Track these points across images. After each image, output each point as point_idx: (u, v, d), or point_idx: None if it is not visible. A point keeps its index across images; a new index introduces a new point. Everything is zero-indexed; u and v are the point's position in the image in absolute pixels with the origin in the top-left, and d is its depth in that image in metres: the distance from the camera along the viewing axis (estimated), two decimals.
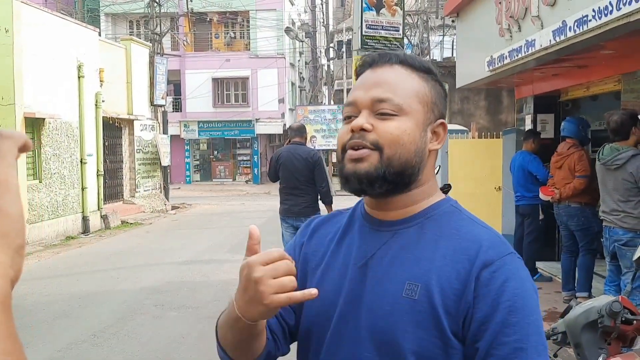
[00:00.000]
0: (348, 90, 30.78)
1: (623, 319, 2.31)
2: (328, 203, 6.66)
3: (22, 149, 0.65)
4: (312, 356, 1.22)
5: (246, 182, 32.41)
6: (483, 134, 10.50)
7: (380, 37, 11.04)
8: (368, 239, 1.20)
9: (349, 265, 1.20)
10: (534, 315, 1.07)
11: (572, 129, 6.42)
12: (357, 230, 1.24)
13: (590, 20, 4.52)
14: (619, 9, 4.07)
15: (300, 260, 1.28)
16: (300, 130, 6.74)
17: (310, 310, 1.23)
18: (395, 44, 10.78)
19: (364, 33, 11.06)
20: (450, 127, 9.78)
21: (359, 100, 1.17)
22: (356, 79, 1.27)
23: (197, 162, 33.67)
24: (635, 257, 2.64)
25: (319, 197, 6.60)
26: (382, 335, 1.11)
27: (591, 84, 7.01)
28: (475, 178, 9.34)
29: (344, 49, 29.95)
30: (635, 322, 2.38)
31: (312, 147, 7.24)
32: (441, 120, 1.21)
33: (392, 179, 1.13)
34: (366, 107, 1.16)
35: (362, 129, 1.14)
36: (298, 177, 6.45)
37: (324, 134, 26.12)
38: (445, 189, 7.80)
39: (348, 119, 1.19)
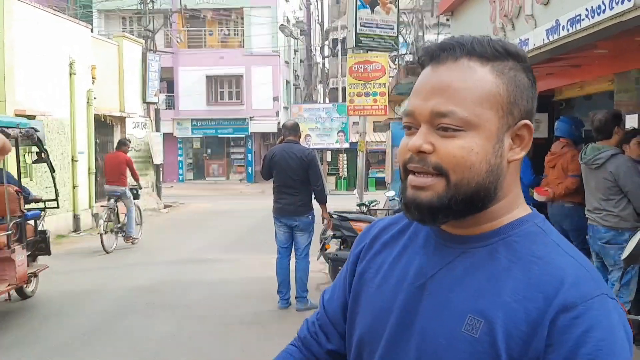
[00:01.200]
0: (343, 89, 30.82)
1: None
2: (322, 202, 6.63)
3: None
4: None
5: (240, 181, 32.36)
6: None
7: (375, 35, 11.01)
8: (431, 255, 1.05)
9: (405, 282, 1.05)
10: None
11: (566, 128, 6.41)
12: (422, 242, 1.08)
13: (583, 20, 4.50)
14: (611, 8, 4.06)
15: (357, 273, 1.16)
16: (294, 128, 6.70)
17: (361, 328, 1.11)
18: (390, 42, 10.76)
19: (358, 31, 11.03)
20: None
21: (417, 112, 0.98)
22: (420, 71, 1.04)
23: (191, 161, 33.58)
24: (623, 256, 2.64)
25: (313, 196, 6.57)
26: None
27: (585, 84, 7.00)
28: None
29: (339, 47, 29.90)
30: None
31: (307, 146, 7.19)
32: (524, 122, 0.99)
33: (459, 208, 0.97)
34: (425, 121, 0.97)
35: (421, 151, 0.97)
36: (292, 175, 6.41)
37: (319, 133, 26.11)
38: None
39: (408, 128, 1.02)
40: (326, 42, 29.65)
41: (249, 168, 32.54)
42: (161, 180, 19.99)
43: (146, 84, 17.88)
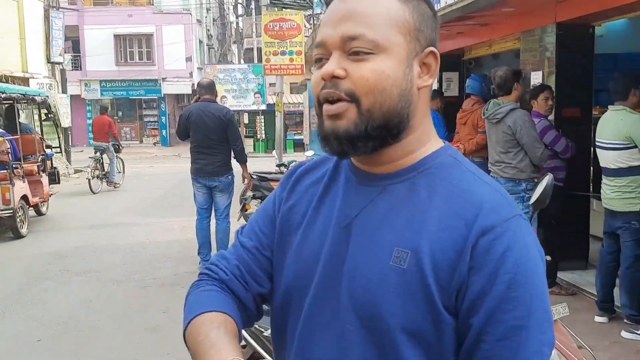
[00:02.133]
0: (259, 50, 30.36)
1: None
2: (243, 162, 6.57)
3: None
4: (290, 326, 1.09)
5: (154, 144, 31.48)
6: None
7: None
8: (353, 196, 1.05)
9: (331, 225, 1.05)
10: (539, 289, 0.93)
11: (476, 86, 6.64)
12: (342, 184, 1.08)
13: None
14: None
15: (280, 217, 1.14)
16: (210, 87, 6.55)
17: (288, 274, 1.09)
18: (304, 0, 10.66)
19: None
20: None
21: (328, 40, 0.98)
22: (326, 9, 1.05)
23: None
24: (531, 202, 2.81)
25: (232, 156, 6.50)
26: (366, 308, 0.98)
27: (493, 42, 7.25)
28: None
29: (253, 6, 29.33)
30: None
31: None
32: (430, 49, 1.01)
33: (376, 134, 0.97)
34: (337, 48, 0.97)
35: (334, 77, 0.96)
36: (210, 135, 6.29)
37: (235, 94, 25.71)
38: None
39: (319, 62, 1.01)
40: (239, 0, 28.97)
41: (163, 131, 31.71)
42: (70, 144, 19.14)
43: (49, 42, 16.91)
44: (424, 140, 1.04)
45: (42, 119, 11.27)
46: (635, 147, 4.18)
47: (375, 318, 0.97)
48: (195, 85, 30.60)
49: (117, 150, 13.73)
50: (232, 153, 6.46)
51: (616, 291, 4.58)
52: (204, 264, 6.60)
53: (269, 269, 1.14)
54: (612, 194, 4.38)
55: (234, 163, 6.51)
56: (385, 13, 0.97)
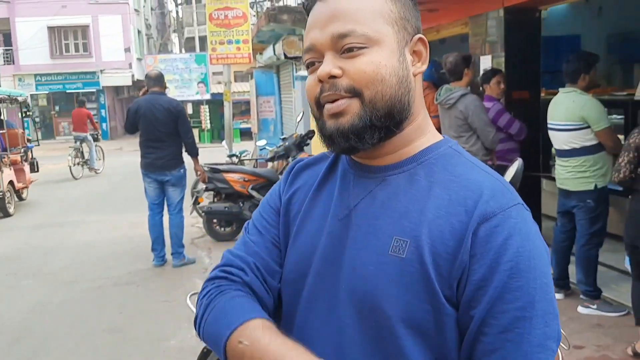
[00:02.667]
0: (200, 38, 29.84)
1: None
2: (194, 155, 6.43)
3: None
4: (287, 318, 1.09)
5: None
6: None
7: None
8: (351, 188, 1.05)
9: (328, 217, 1.05)
10: (543, 279, 0.91)
11: (425, 72, 6.64)
12: (340, 177, 1.09)
13: None
14: None
15: (282, 210, 1.14)
16: (159, 79, 6.35)
17: (286, 267, 1.09)
18: None
19: None
20: None
21: (318, 42, 0.98)
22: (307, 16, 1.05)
23: (37, 119, 31.06)
24: None
25: (183, 149, 6.35)
26: (365, 299, 0.96)
27: (441, 27, 7.30)
28: None
29: None
30: None
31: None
32: (419, 36, 1.02)
33: (381, 123, 0.97)
34: (328, 48, 0.97)
35: (331, 77, 0.97)
36: (160, 128, 6.11)
37: (177, 85, 25.19)
38: (310, 134, 7.90)
39: (312, 65, 1.01)
40: None
41: (103, 124, 30.78)
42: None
43: None
44: (424, 130, 1.04)
45: (22, 116, 12.48)
46: (588, 127, 4.29)
47: (374, 309, 0.95)
48: (135, 77, 29.75)
49: (96, 139, 15.36)
50: (183, 146, 6.32)
51: (571, 268, 4.72)
52: (157, 260, 6.46)
53: (282, 262, 1.13)
54: (567, 174, 4.47)
55: (185, 156, 6.37)
56: (370, 7, 0.97)
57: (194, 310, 3.12)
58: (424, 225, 0.94)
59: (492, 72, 5.37)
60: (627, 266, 3.97)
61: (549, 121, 4.62)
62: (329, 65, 0.97)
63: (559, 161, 4.58)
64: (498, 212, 0.91)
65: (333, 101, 0.97)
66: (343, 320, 0.98)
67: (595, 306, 4.44)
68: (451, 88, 5.05)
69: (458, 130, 4.96)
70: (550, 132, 4.61)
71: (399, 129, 1.00)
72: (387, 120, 0.97)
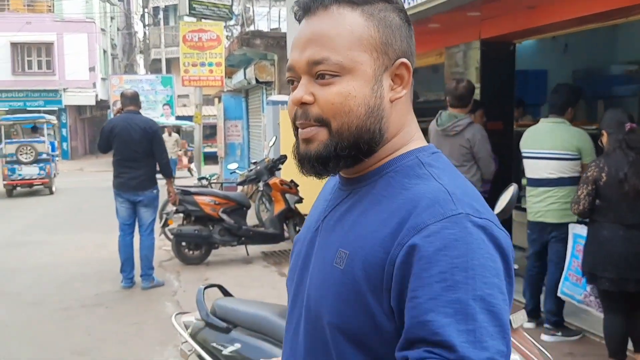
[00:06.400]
0: (167, 60, 29.68)
1: None
2: (168, 176, 6.35)
3: None
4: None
5: None
6: None
7: (209, 2, 10.69)
8: (329, 200, 1.11)
9: (311, 228, 1.12)
10: (485, 290, 0.83)
11: None
12: (329, 190, 1.15)
13: None
14: None
15: None
16: (135, 98, 6.30)
17: (288, 274, 1.19)
18: (224, 11, 10.53)
19: None
20: (281, 97, 9.88)
21: (297, 65, 1.00)
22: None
23: None
24: (495, 211, 2.86)
25: (156, 170, 6.27)
26: (313, 308, 1.00)
27: (415, 57, 7.44)
28: None
29: (161, 16, 28.68)
30: None
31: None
32: (401, 60, 1.00)
33: (345, 153, 0.98)
34: (304, 72, 0.99)
35: (303, 103, 0.99)
36: (135, 148, 6.02)
37: (143, 106, 24.86)
38: (282, 159, 7.90)
39: (291, 83, 1.03)
40: (147, 10, 28.22)
41: (64, 144, 30.14)
42: None
43: None
44: (398, 147, 1.03)
45: None
46: (579, 158, 4.33)
47: (317, 318, 0.99)
48: (98, 97, 29.34)
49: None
50: (158, 167, 6.24)
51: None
52: (126, 282, 6.31)
53: None
54: (549, 206, 4.45)
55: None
56: (349, 33, 0.97)
57: (180, 330, 3.08)
58: (363, 238, 0.95)
59: (476, 105, 5.26)
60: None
61: (527, 149, 4.59)
62: (302, 91, 0.99)
63: (534, 192, 4.54)
64: (431, 223, 0.87)
65: (304, 127, 1.00)
66: (301, 326, 1.05)
67: (560, 333, 4.50)
68: (456, 115, 4.79)
69: (460, 159, 4.77)
70: (530, 161, 4.57)
71: (367, 156, 1.01)
72: (353, 150, 0.99)
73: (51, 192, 15.33)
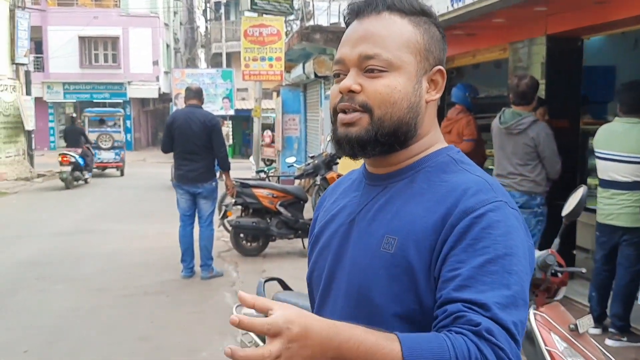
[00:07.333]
0: (228, 55, 30.15)
1: (553, 271, 2.45)
2: (226, 169, 6.48)
3: None
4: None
5: None
6: None
7: None
8: (360, 195, 1.19)
9: (340, 221, 1.19)
10: (519, 266, 0.98)
11: (460, 95, 6.68)
12: (356, 186, 1.23)
13: None
14: None
15: (316, 225, 1.30)
16: (199, 93, 6.45)
17: (310, 266, 1.26)
18: (285, 6, 10.62)
19: None
20: None
21: (347, 58, 1.11)
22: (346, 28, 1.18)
23: (63, 127, 31.46)
24: (564, 213, 2.80)
25: (215, 163, 6.40)
26: (358, 291, 1.08)
27: (477, 52, 7.32)
28: None
29: (222, 10, 29.12)
30: (560, 274, 2.54)
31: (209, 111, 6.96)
32: (438, 68, 1.14)
33: (384, 140, 1.10)
34: (354, 65, 1.10)
35: (351, 91, 1.09)
36: (195, 141, 6.18)
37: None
38: (339, 154, 7.93)
39: (338, 76, 1.13)
40: (209, 5, 28.72)
41: (128, 135, 31.07)
42: (33, 147, 18.64)
43: (15, 43, 16.44)
44: (429, 145, 1.15)
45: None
46: None
47: (366, 301, 1.06)
48: (161, 90, 30.02)
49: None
50: (216, 160, 6.37)
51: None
52: (186, 271, 6.48)
53: None
54: (621, 209, 4.28)
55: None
56: (399, 35, 1.10)
57: None
58: (412, 223, 1.05)
59: (539, 102, 5.07)
60: None
61: (601, 150, 4.40)
62: (351, 80, 1.09)
63: (606, 194, 4.37)
64: (479, 207, 1.00)
65: (346, 112, 1.10)
66: (344, 310, 1.10)
67: (625, 339, 4.35)
68: (520, 113, 4.67)
69: (525, 157, 4.66)
70: (603, 162, 4.39)
71: (402, 147, 1.12)
72: (391, 138, 1.10)
73: (122, 174, 18.02)
